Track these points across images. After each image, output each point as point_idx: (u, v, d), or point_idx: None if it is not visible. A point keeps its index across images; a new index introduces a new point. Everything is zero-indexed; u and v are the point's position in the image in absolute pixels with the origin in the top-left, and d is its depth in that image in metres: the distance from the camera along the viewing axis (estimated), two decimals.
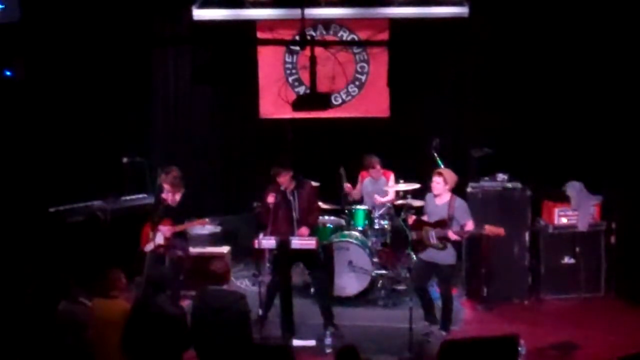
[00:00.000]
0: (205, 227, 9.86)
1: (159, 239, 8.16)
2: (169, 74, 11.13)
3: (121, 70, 10.50)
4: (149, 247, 8.12)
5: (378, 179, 9.99)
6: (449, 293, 8.24)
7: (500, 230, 7.94)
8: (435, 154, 9.59)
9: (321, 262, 8.67)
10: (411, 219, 8.54)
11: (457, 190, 9.17)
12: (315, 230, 8.72)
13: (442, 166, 9.60)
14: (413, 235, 8.31)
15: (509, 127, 10.46)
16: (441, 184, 8.10)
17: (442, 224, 8.00)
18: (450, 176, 8.16)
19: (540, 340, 7.77)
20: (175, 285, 8.18)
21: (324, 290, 8.57)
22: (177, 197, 8.30)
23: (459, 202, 8.10)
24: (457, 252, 8.28)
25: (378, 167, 9.90)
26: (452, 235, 7.94)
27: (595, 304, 9.19)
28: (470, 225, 8.03)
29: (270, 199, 8.13)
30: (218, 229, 10.21)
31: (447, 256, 8.07)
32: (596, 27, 9.73)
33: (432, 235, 8.03)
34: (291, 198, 8.25)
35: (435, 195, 8.17)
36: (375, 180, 10.00)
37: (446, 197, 8.11)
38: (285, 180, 8.20)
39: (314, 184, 8.91)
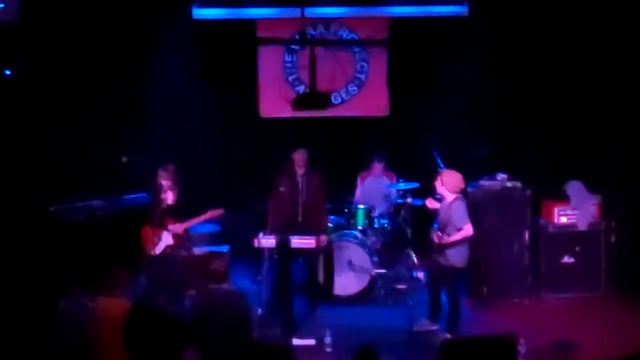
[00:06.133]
0: (205, 226, 9.86)
1: (167, 239, 8.17)
2: (168, 73, 11.12)
3: (121, 70, 10.49)
4: (159, 248, 8.13)
5: (379, 177, 10.00)
6: (453, 295, 8.18)
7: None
8: (436, 154, 9.59)
9: (313, 267, 8.70)
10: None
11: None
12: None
13: (443, 166, 9.62)
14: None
15: (509, 127, 10.45)
16: (438, 185, 8.10)
17: (443, 226, 8.01)
18: (448, 178, 8.09)
19: (540, 340, 7.75)
20: (180, 286, 8.18)
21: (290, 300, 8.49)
22: (175, 194, 8.30)
23: (456, 204, 7.98)
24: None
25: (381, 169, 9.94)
26: (436, 239, 7.97)
27: (595, 303, 9.18)
28: (468, 229, 7.88)
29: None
30: (218, 228, 10.22)
31: (450, 257, 7.98)
32: (596, 26, 9.72)
33: (434, 237, 8.08)
34: (299, 181, 8.38)
35: (442, 197, 8.17)
36: (375, 178, 10.01)
37: (449, 198, 8.06)
38: (300, 158, 8.43)
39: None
